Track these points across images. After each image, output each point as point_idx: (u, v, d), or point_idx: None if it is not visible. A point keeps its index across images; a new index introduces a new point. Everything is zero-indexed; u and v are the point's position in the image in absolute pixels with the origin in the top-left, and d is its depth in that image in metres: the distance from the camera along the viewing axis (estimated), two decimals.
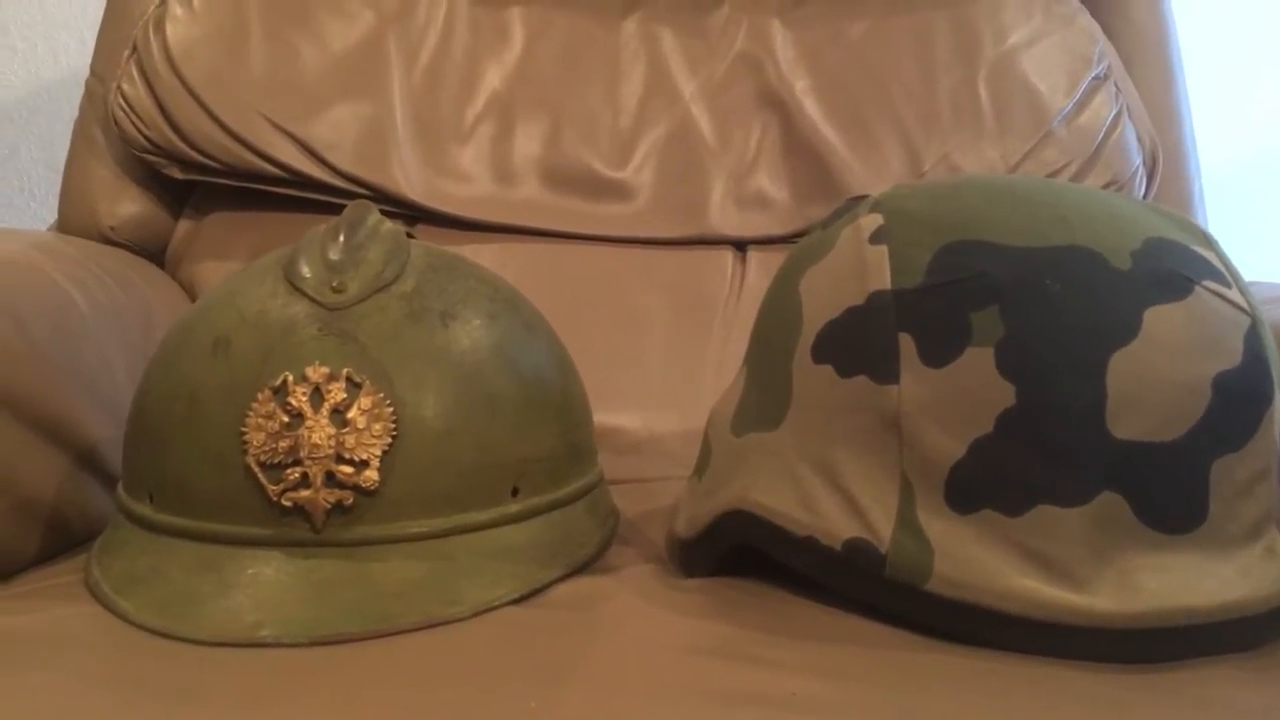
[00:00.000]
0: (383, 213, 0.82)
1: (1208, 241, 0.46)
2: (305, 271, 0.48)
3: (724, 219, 0.85)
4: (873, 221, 0.47)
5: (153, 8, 0.85)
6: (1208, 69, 1.15)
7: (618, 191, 0.86)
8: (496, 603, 0.45)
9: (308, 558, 0.44)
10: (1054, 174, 0.85)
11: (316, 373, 0.45)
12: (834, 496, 0.44)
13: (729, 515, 0.48)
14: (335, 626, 0.42)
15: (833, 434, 0.45)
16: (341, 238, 0.50)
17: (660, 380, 0.78)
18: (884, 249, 0.45)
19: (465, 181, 0.85)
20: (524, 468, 0.49)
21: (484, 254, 0.83)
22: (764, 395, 0.49)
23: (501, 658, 0.40)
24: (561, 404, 0.52)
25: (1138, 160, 0.87)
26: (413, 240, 0.53)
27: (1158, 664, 0.39)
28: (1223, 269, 0.44)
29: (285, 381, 0.45)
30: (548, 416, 0.51)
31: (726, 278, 0.84)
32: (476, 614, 0.44)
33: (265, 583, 0.44)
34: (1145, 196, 0.88)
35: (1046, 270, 0.42)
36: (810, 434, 0.46)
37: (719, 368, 0.79)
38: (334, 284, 0.48)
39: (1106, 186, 0.86)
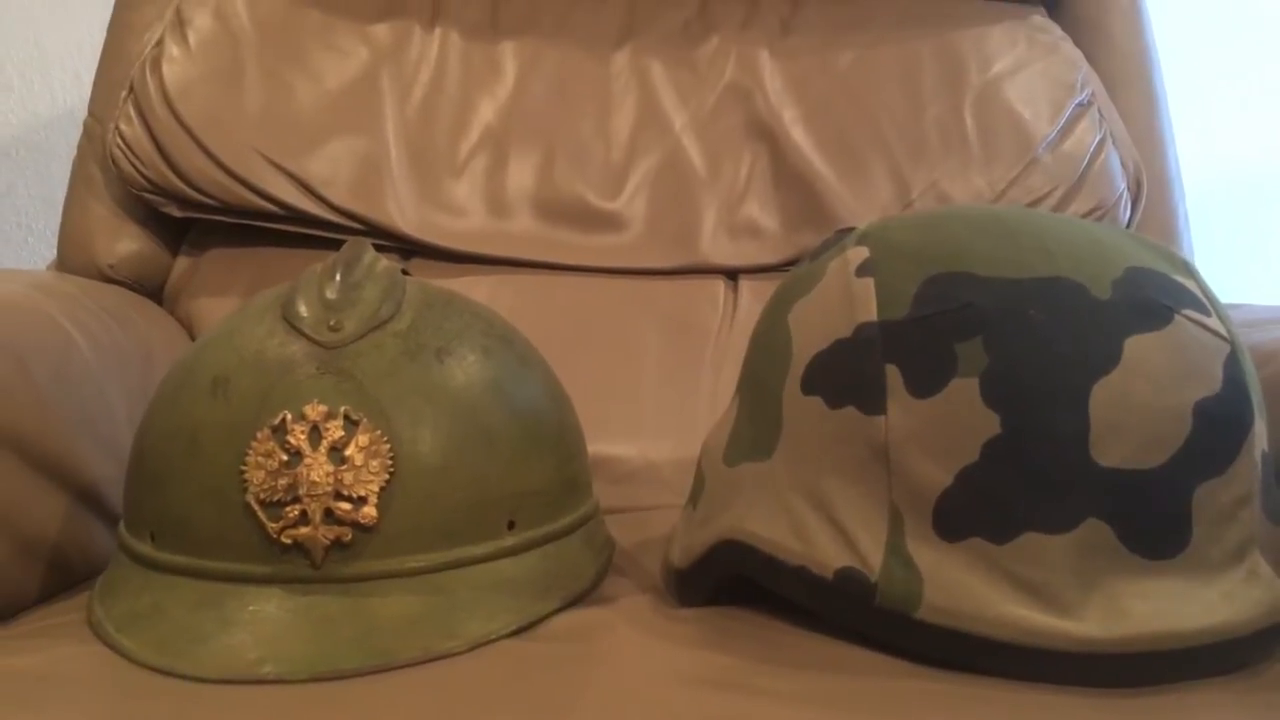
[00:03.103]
0: (378, 247, 0.85)
1: (1188, 270, 0.47)
2: (303, 311, 0.49)
3: (716, 248, 0.86)
4: (859, 254, 0.48)
5: (149, 48, 0.87)
6: (1191, 94, 1.17)
7: (610, 222, 0.87)
8: (494, 636, 0.45)
9: (307, 594, 0.45)
10: (1039, 200, 0.86)
11: (314, 411, 0.46)
12: (825, 526, 0.45)
13: (722, 545, 0.49)
14: (335, 663, 0.43)
15: (823, 464, 0.46)
16: (338, 276, 0.51)
17: (654, 409, 0.78)
18: (870, 281, 0.46)
19: (459, 215, 0.86)
20: (520, 501, 0.49)
21: (479, 286, 0.84)
22: (755, 426, 0.50)
23: (499, 691, 0.40)
24: (556, 437, 0.53)
25: (1122, 186, 0.89)
26: (408, 278, 0.54)
27: (1144, 688, 0.40)
28: (1202, 297, 0.45)
29: (284, 420, 0.46)
30: (543, 450, 0.51)
31: (719, 307, 0.85)
32: (474, 647, 0.44)
33: (266, 620, 0.44)
34: (1130, 221, 0.89)
35: (1029, 301, 0.43)
36: (801, 464, 0.47)
37: (713, 396, 0.79)
38: (331, 323, 0.49)
39: (1091, 212, 0.87)
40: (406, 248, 0.85)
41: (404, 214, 0.85)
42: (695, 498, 0.55)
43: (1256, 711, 0.39)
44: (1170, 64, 1.03)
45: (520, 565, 0.49)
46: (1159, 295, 0.44)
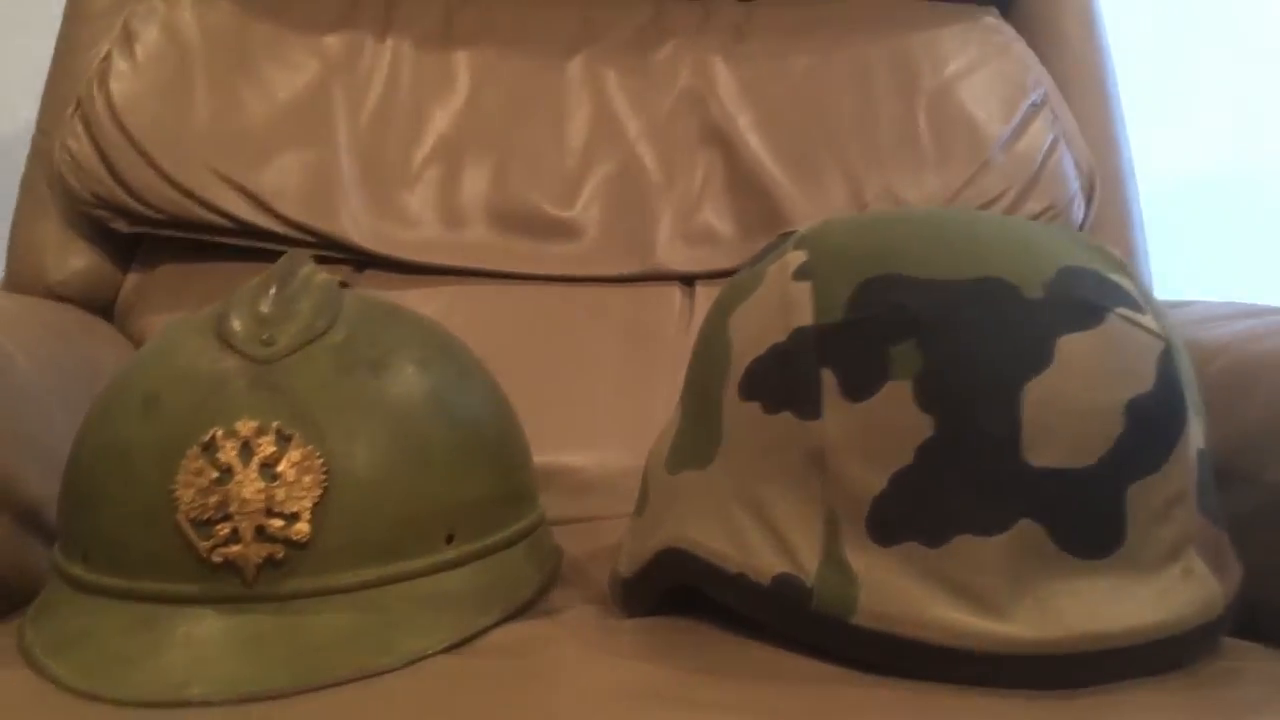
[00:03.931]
0: (331, 260, 0.84)
1: (1123, 268, 0.47)
2: (236, 326, 0.49)
3: (671, 255, 0.86)
4: (797, 258, 0.47)
5: (97, 62, 0.86)
6: (1146, 93, 1.18)
7: (565, 231, 0.86)
8: (430, 651, 0.45)
9: (240, 613, 0.44)
10: (993, 201, 0.86)
11: (245, 427, 0.45)
12: (763, 532, 0.45)
13: (665, 553, 0.49)
14: (265, 682, 0.42)
15: (761, 470, 0.45)
16: (272, 290, 0.50)
17: (610, 418, 0.78)
18: (807, 285, 0.46)
19: (413, 225, 0.85)
20: (459, 514, 0.49)
21: (434, 298, 0.83)
22: (696, 433, 0.50)
23: (432, 708, 0.40)
24: (497, 448, 0.52)
25: (1075, 185, 0.89)
26: (347, 290, 0.53)
27: (1079, 689, 0.39)
28: (1137, 295, 0.45)
29: (214, 437, 0.45)
30: (483, 462, 0.51)
31: (675, 313, 0.84)
32: (409, 663, 0.44)
33: (197, 641, 0.44)
34: (1084, 220, 0.89)
35: (962, 303, 0.43)
36: (740, 471, 0.46)
37: (669, 404, 0.79)
38: (264, 337, 0.48)
39: (1045, 211, 0.87)
40: (360, 259, 0.85)
41: (357, 225, 0.84)
42: (641, 507, 0.54)
43: (1192, 712, 0.39)
44: (1128, 63, 1.04)
45: (459, 578, 0.48)
46: (1091, 294, 0.43)
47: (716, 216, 0.88)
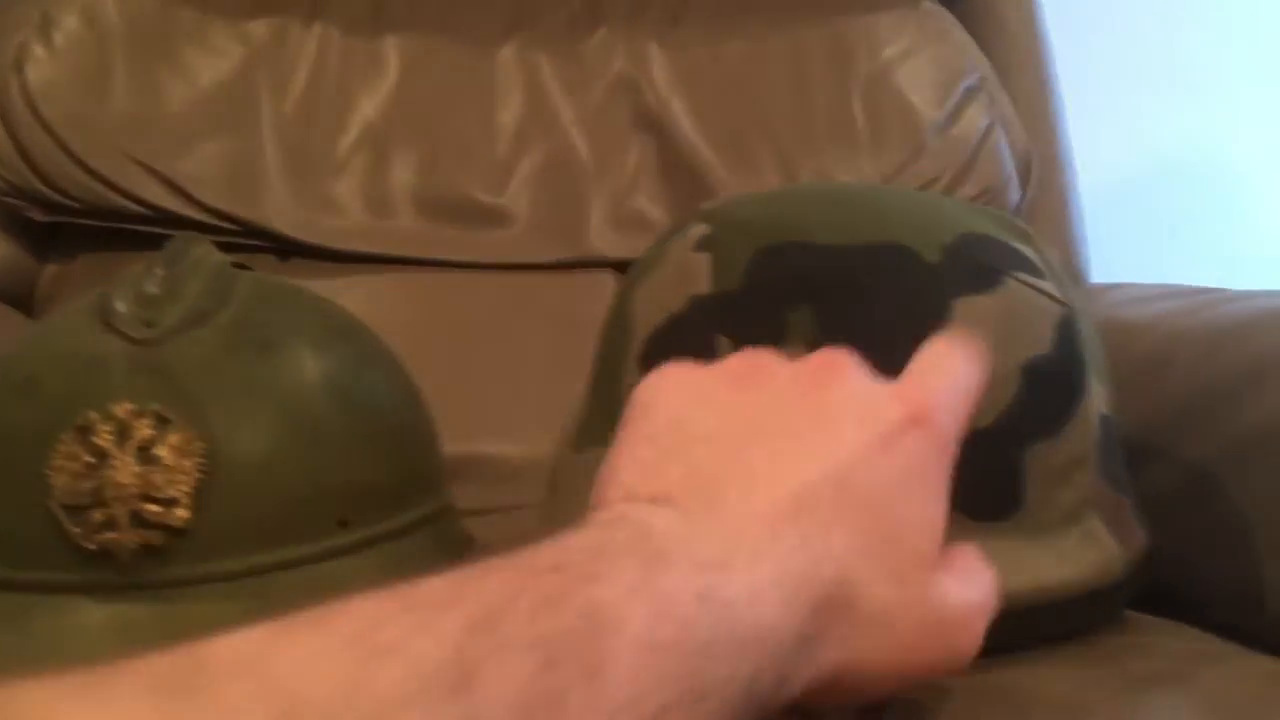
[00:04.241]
0: (255, 248, 0.82)
1: (1026, 236, 0.46)
2: (119, 307, 0.47)
3: (603, 241, 0.85)
4: (699, 230, 0.47)
5: (13, 49, 0.84)
6: (1091, 79, 1.18)
7: (495, 217, 0.85)
8: None
9: (117, 601, 0.43)
10: (927, 185, 0.86)
11: (122, 410, 0.43)
12: None
13: None
14: None
15: None
16: (159, 271, 0.48)
17: (538, 406, 0.76)
18: (706, 256, 0.45)
19: (339, 213, 0.83)
20: (353, 499, 0.47)
21: (360, 286, 0.82)
22: (600, 411, 0.49)
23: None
24: (400, 433, 0.51)
25: (1011, 169, 0.88)
26: (244, 271, 0.52)
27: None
28: (1037, 262, 0.45)
29: (90, 421, 0.43)
30: (382, 446, 0.49)
31: (607, 300, 0.82)
32: None
33: (70, 630, 0.42)
34: (1020, 204, 0.89)
35: (858, 267, 0.42)
36: None
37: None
38: (147, 318, 0.46)
39: (980, 195, 0.86)
40: (284, 248, 0.83)
41: (280, 213, 0.82)
42: (550, 490, 0.53)
43: (1097, 683, 0.38)
44: (1071, 50, 1.04)
45: (353, 565, 0.46)
46: (989, 259, 0.43)
47: (649, 202, 0.86)
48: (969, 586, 0.28)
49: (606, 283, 0.85)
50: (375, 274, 0.83)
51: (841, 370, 0.30)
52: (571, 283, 0.84)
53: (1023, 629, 0.39)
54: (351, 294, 0.80)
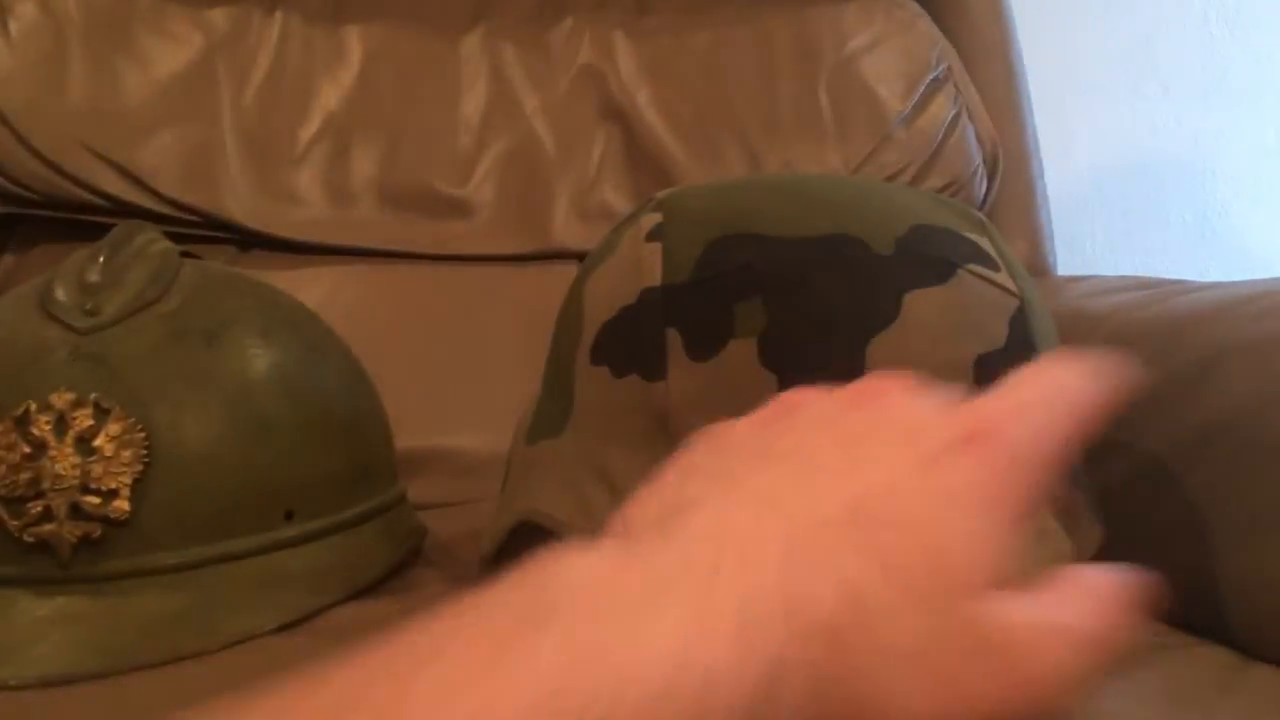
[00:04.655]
0: (214, 239, 0.81)
1: (983, 228, 0.46)
2: (59, 295, 0.46)
3: (568, 232, 0.84)
4: (651, 220, 0.46)
5: None
6: (1062, 72, 1.18)
7: (458, 209, 0.84)
8: (256, 632, 0.42)
9: (56, 595, 0.42)
10: (893, 176, 0.85)
11: (61, 399, 0.43)
12: (609, 499, 0.43)
13: (519, 527, 0.47)
14: (74, 666, 0.40)
15: (609, 435, 0.44)
16: (101, 258, 0.47)
17: (500, 399, 0.76)
18: (658, 246, 0.44)
19: (299, 204, 0.82)
20: (299, 491, 0.46)
21: (321, 278, 0.81)
22: (552, 402, 0.48)
23: (244, 688, 0.37)
24: (349, 424, 0.50)
25: (977, 160, 0.88)
26: (190, 260, 0.51)
27: None
28: (992, 253, 0.44)
29: (27, 410, 0.42)
30: (329, 438, 0.49)
31: None
32: (231, 645, 0.42)
33: (7, 623, 0.41)
34: (986, 195, 0.89)
35: (808, 259, 0.42)
36: (589, 437, 0.45)
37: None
38: (88, 306, 0.45)
39: (946, 187, 0.86)
40: (244, 239, 0.82)
41: (239, 204, 0.81)
42: (504, 482, 0.52)
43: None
44: (1040, 41, 1.04)
45: (298, 557, 0.46)
46: (942, 250, 0.42)
47: (615, 194, 0.86)
48: (1049, 608, 0.24)
49: (569, 275, 0.84)
50: (336, 265, 0.82)
51: (884, 394, 0.27)
52: (535, 275, 0.83)
53: None
54: (313, 286, 0.79)
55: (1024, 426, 0.25)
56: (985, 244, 0.45)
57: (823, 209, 0.44)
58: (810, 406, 0.28)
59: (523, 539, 0.47)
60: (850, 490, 0.24)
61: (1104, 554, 0.44)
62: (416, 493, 0.60)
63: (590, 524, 0.43)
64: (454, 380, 0.78)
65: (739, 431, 0.29)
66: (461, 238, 0.83)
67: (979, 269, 0.43)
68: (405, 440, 0.62)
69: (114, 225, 0.80)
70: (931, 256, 0.42)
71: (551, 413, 0.48)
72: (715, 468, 0.26)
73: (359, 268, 0.82)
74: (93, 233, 0.81)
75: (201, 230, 0.80)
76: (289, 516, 0.46)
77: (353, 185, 0.83)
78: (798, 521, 0.23)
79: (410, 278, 0.82)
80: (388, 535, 0.51)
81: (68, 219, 0.81)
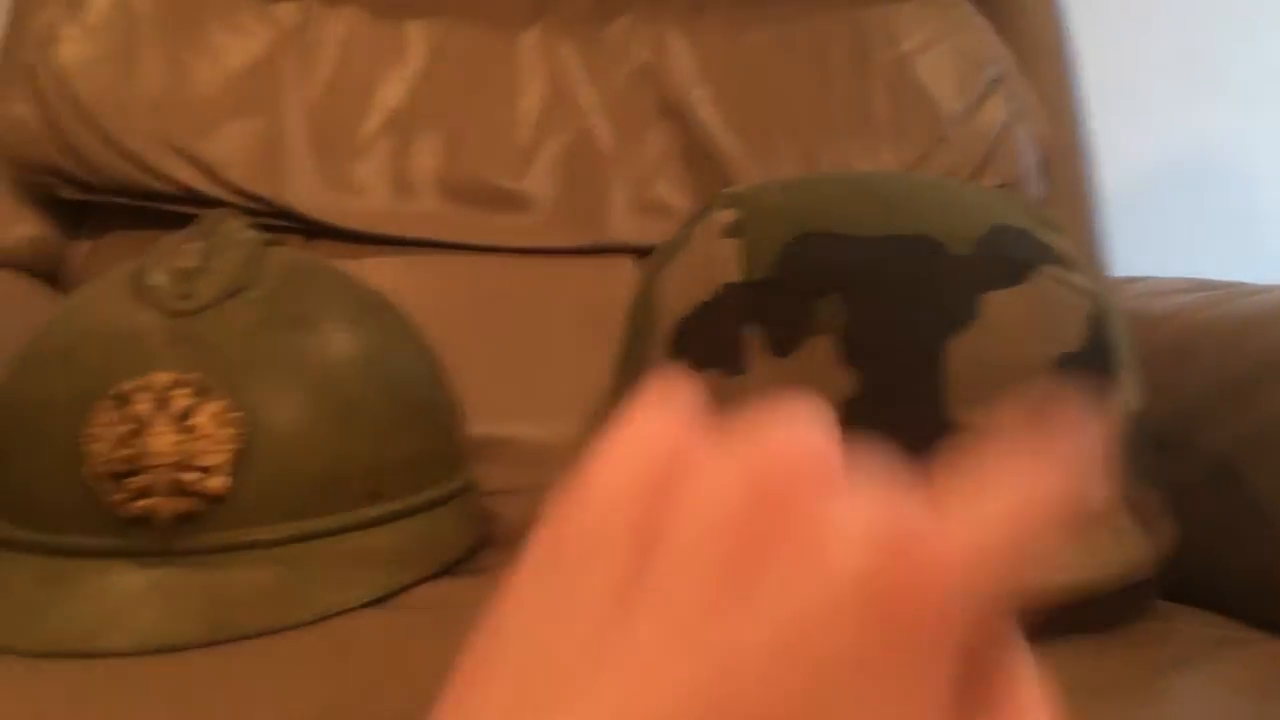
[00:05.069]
0: (280, 229, 0.83)
1: (1057, 228, 0.47)
2: (154, 280, 0.48)
3: (624, 227, 0.85)
4: (726, 216, 0.47)
5: (45, 28, 0.84)
6: (1116, 73, 1.18)
7: (517, 202, 0.85)
8: (346, 606, 0.44)
9: (155, 567, 0.44)
10: (947, 176, 0.86)
11: (161, 379, 0.44)
12: None
13: None
14: (177, 635, 0.41)
15: None
16: (194, 245, 0.49)
17: (558, 390, 0.77)
18: (736, 242, 0.45)
19: (362, 195, 0.84)
20: (383, 473, 0.48)
21: (383, 268, 0.82)
22: (624, 394, 0.49)
23: (339, 659, 0.39)
24: (426, 410, 0.52)
25: (1031, 161, 0.89)
26: (275, 248, 0.52)
27: None
28: (1068, 254, 0.45)
29: (127, 389, 0.44)
30: (410, 422, 0.50)
31: (626, 286, 0.83)
32: (323, 618, 0.43)
33: (111, 593, 0.43)
34: (1040, 197, 0.89)
35: (888, 259, 0.43)
36: None
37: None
38: (183, 291, 0.47)
39: (999, 187, 0.87)
40: (308, 229, 0.83)
41: (305, 195, 0.83)
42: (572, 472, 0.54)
43: (1121, 667, 0.39)
44: (1093, 42, 1.04)
45: (381, 536, 0.47)
46: (1020, 252, 0.43)
47: (670, 189, 0.87)
48: None
49: (626, 268, 0.85)
50: (397, 256, 0.84)
51: (797, 494, 0.17)
52: (591, 268, 0.85)
53: (1059, 624, 0.40)
54: (374, 276, 0.80)
55: (971, 584, 0.17)
56: (1061, 244, 0.45)
57: (901, 209, 0.45)
58: (701, 491, 0.18)
59: None
60: (710, 665, 0.16)
61: (1177, 553, 0.45)
62: (478, 480, 0.62)
63: None
64: (511, 370, 0.79)
65: (597, 540, 0.18)
66: (519, 230, 0.85)
67: (1057, 270, 0.43)
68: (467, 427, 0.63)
69: (183, 213, 0.83)
70: (1010, 257, 0.43)
71: (623, 404, 0.49)
72: (549, 651, 0.17)
73: (419, 258, 0.83)
74: (162, 220, 0.84)
75: (268, 220, 0.82)
76: (373, 497, 0.48)
77: (414, 177, 0.85)
78: None
79: (468, 268, 0.84)
80: (462, 518, 0.52)
81: (139, 206, 0.83)
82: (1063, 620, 0.41)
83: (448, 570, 0.49)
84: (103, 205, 0.85)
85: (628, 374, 0.50)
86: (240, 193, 0.82)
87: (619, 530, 0.18)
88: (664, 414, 0.19)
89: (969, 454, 0.17)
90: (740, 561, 0.17)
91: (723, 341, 0.44)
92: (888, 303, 0.42)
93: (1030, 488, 0.17)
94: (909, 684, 0.17)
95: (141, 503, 0.43)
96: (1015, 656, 0.18)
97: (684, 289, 0.47)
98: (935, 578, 0.17)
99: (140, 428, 0.44)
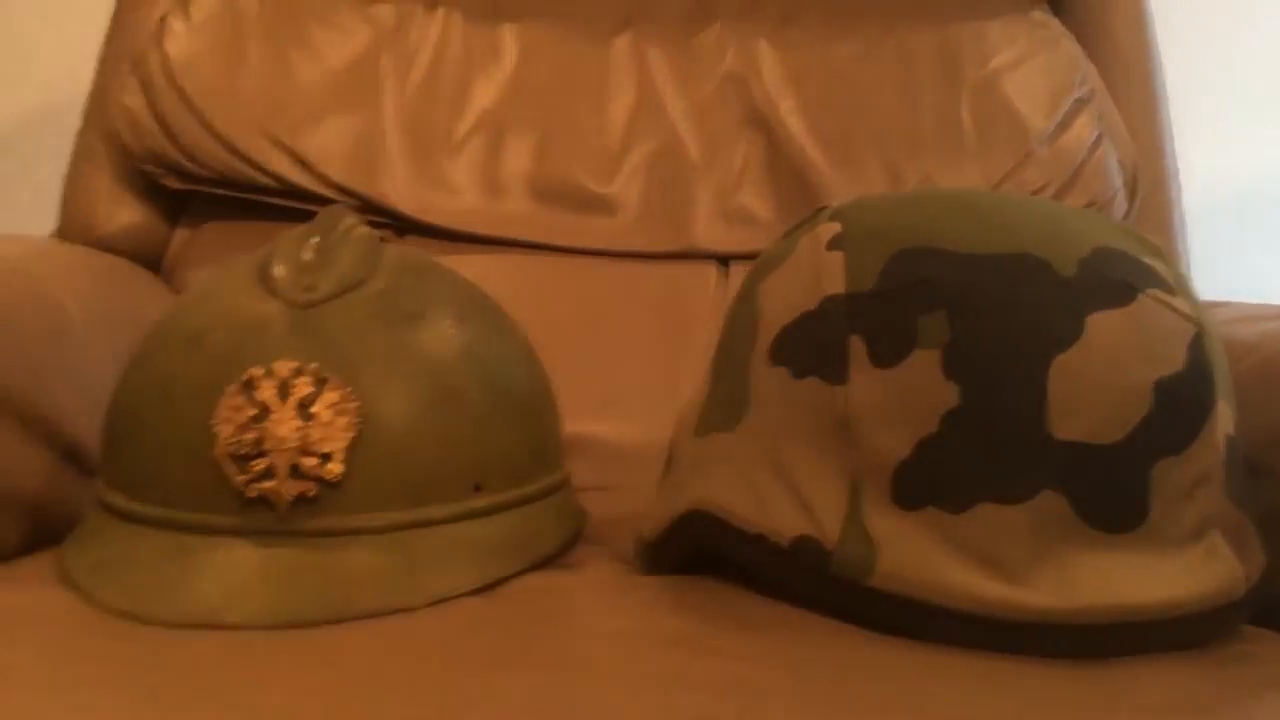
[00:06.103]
0: (373, 224, 0.85)
1: (1158, 253, 0.47)
2: (278, 272, 0.50)
3: (709, 234, 0.87)
4: (831, 229, 0.48)
5: (154, 23, 0.88)
6: (1195, 95, 1.16)
7: (604, 206, 0.87)
8: (453, 593, 0.46)
9: (272, 546, 0.46)
10: (1034, 194, 0.86)
11: (284, 368, 0.46)
12: (786, 496, 0.45)
13: (689, 515, 0.49)
14: (296, 612, 0.43)
15: (787, 435, 0.46)
16: (314, 240, 0.51)
17: (640, 392, 0.79)
18: (839, 255, 0.46)
19: (454, 194, 0.86)
20: (487, 465, 0.50)
21: (471, 265, 0.83)
22: (724, 398, 0.50)
23: (453, 643, 0.41)
24: (527, 406, 0.53)
25: (1118, 182, 0.88)
26: (387, 244, 0.54)
27: (1094, 660, 0.40)
28: (1170, 278, 0.45)
29: (253, 376, 0.46)
30: (513, 417, 0.52)
31: (709, 292, 0.85)
32: (433, 603, 0.45)
33: (231, 569, 0.45)
34: (1125, 218, 0.89)
35: (993, 276, 0.43)
36: (766, 435, 0.47)
37: (699, 379, 0.80)
38: (305, 283, 0.49)
39: (1086, 207, 0.86)
40: (401, 225, 0.86)
41: (399, 192, 0.85)
42: (667, 470, 0.55)
43: (1203, 688, 0.39)
44: (1180, 63, 1.03)
45: (485, 527, 0.49)
46: (1124, 275, 0.44)
47: (755, 198, 0.88)
48: None
49: (709, 275, 0.86)
50: (486, 254, 0.85)
51: None
52: (675, 273, 0.86)
53: (1149, 640, 0.41)
54: (463, 273, 0.83)
55: None
56: (1161, 268, 0.46)
57: (1003, 228, 0.46)
58: None
59: (689, 526, 0.50)
60: None
61: (1269, 578, 0.45)
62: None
63: (764, 516, 0.46)
64: (592, 371, 0.81)
65: None
66: (606, 233, 0.86)
67: (1159, 293, 0.44)
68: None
69: (280, 205, 0.86)
70: (1114, 279, 0.43)
71: (724, 408, 0.50)
72: None
73: (507, 257, 0.85)
74: (260, 211, 0.87)
75: (361, 215, 0.84)
76: (478, 489, 0.49)
77: (504, 178, 0.87)
78: None
79: (554, 269, 0.86)
80: (560, 513, 0.54)
81: (238, 198, 0.86)
82: (1152, 637, 0.41)
83: (545, 563, 0.51)
84: (202, 195, 0.88)
85: (724, 378, 0.51)
86: (337, 188, 0.84)
87: None
88: None
89: None
90: None
91: (825, 351, 0.45)
92: (994, 319, 0.42)
93: None
94: None
95: (263, 484, 0.45)
96: None
97: (786, 298, 0.48)
98: None
99: (264, 413, 0.46)
